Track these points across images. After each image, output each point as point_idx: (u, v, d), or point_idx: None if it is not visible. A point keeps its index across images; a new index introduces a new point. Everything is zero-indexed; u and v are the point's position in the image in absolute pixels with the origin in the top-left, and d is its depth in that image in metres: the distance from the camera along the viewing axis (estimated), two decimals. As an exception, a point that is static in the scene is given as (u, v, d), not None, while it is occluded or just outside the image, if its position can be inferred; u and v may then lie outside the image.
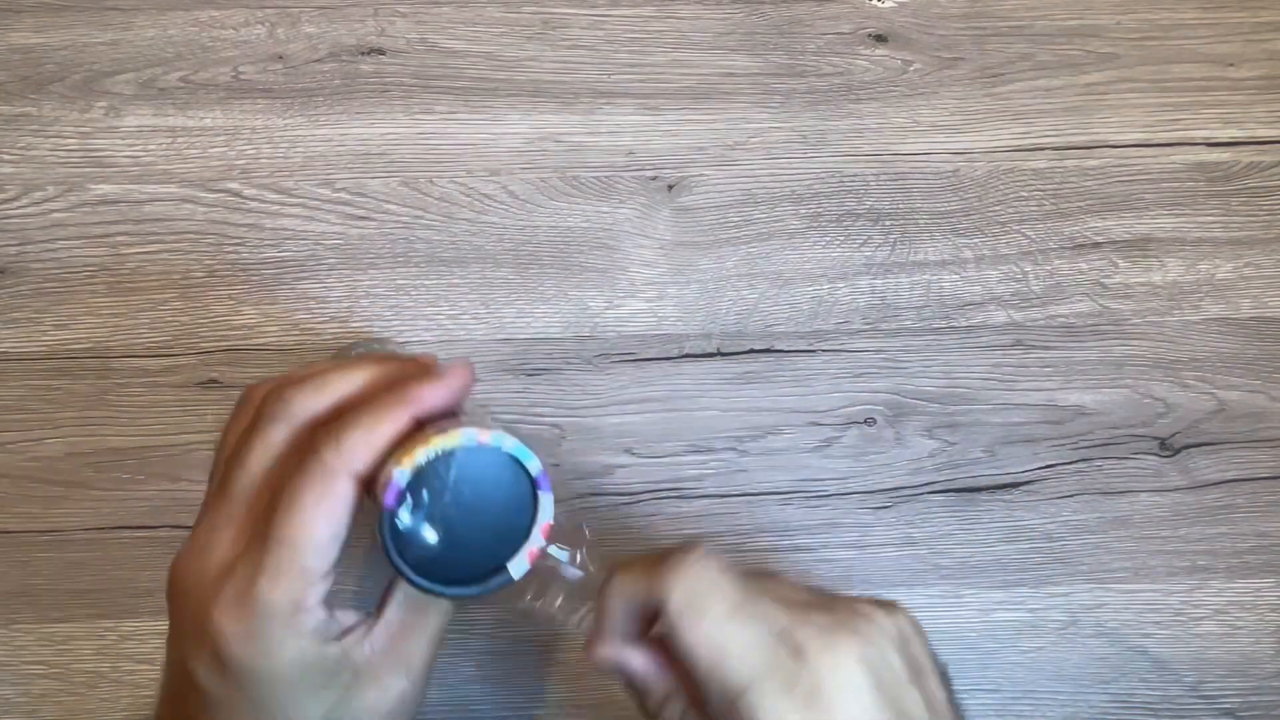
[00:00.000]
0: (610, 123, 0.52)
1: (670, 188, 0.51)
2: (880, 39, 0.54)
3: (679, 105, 0.52)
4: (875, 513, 0.47)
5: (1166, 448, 0.48)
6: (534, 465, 0.30)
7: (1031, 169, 0.52)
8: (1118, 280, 0.50)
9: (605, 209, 0.51)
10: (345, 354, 0.44)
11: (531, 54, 0.53)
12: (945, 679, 0.33)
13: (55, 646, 0.45)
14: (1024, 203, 0.51)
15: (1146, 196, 0.51)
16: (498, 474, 0.30)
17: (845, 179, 0.51)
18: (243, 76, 0.52)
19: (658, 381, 0.48)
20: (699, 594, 0.30)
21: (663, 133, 0.52)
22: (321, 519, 0.29)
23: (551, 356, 0.48)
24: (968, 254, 0.50)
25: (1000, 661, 0.46)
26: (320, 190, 0.50)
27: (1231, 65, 0.53)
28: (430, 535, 0.29)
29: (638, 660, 0.32)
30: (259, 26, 0.53)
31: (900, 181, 0.51)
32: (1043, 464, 0.48)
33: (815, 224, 0.51)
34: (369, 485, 0.30)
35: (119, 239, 0.49)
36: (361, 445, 0.30)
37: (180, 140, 0.51)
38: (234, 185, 0.50)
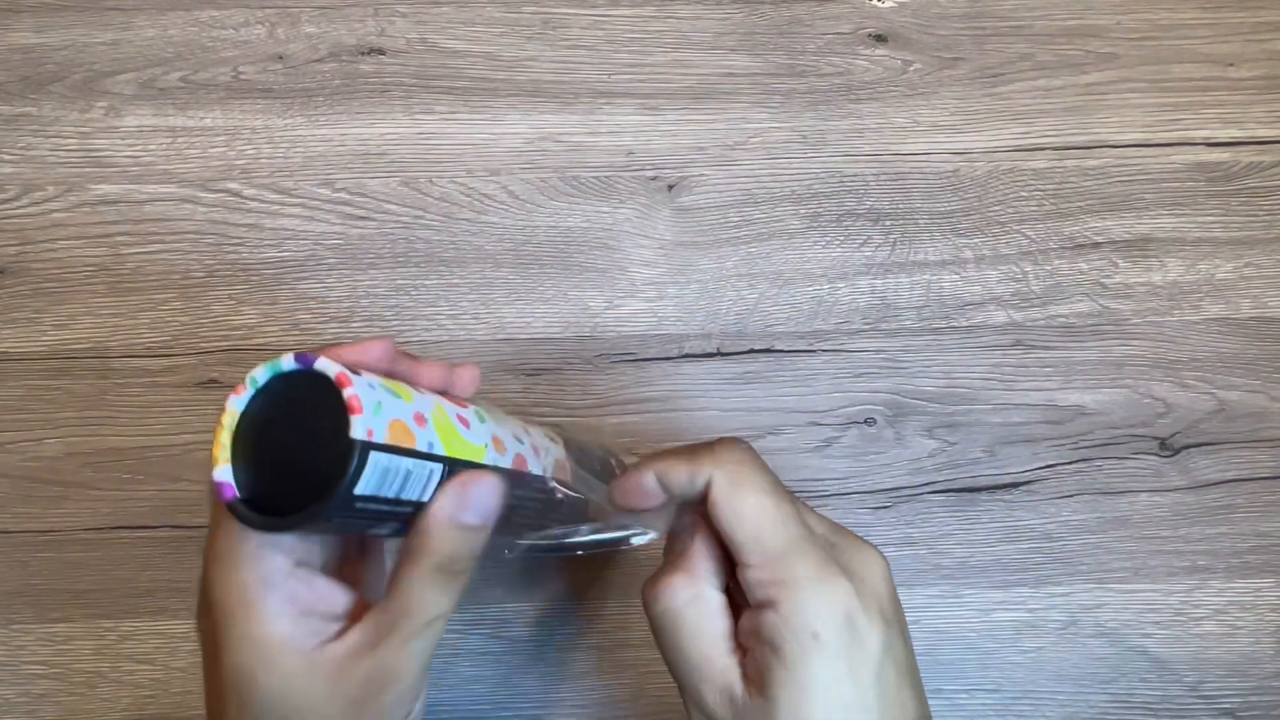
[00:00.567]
0: (610, 123, 0.52)
1: (670, 188, 0.51)
2: (880, 39, 0.54)
3: (679, 105, 0.52)
4: (875, 513, 0.47)
5: (1166, 448, 0.48)
6: (329, 367, 0.28)
7: (1031, 169, 0.52)
8: (1118, 280, 0.50)
9: (605, 209, 0.51)
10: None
11: (531, 54, 0.53)
12: None
13: (55, 646, 0.45)
14: (1024, 203, 0.51)
15: (1146, 196, 0.51)
16: (311, 399, 0.28)
17: (845, 179, 0.51)
18: (243, 76, 0.52)
19: (658, 381, 0.48)
20: (743, 473, 0.32)
21: (663, 133, 0.52)
22: None
23: (551, 356, 0.48)
24: (968, 254, 0.50)
25: (1000, 661, 0.46)
26: (320, 190, 0.50)
27: (1231, 65, 0.53)
28: (266, 481, 0.28)
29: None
30: (259, 26, 0.53)
31: (900, 181, 0.51)
32: (1043, 464, 0.48)
33: (815, 224, 0.51)
34: None
35: (119, 239, 0.49)
36: None
37: (180, 140, 0.51)
38: (234, 185, 0.50)
